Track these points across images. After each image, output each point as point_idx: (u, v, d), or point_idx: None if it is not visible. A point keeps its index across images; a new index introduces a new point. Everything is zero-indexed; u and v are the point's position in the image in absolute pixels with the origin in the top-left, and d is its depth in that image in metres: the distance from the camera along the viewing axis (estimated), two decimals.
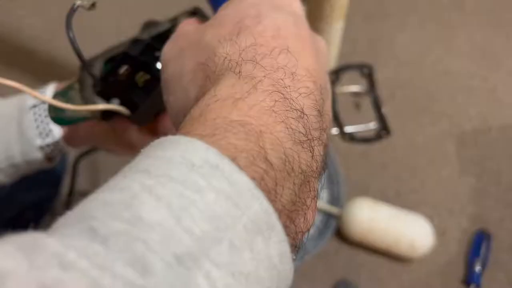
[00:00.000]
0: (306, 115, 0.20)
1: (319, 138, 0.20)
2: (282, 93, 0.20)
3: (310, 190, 0.20)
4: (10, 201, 0.70)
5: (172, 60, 0.25)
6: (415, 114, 0.98)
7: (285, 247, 0.18)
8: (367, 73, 0.56)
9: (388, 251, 0.79)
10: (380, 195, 0.88)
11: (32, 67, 1.06)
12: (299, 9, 0.26)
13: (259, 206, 0.16)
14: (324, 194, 0.87)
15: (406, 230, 0.76)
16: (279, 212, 0.18)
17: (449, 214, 0.86)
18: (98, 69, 0.36)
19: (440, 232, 0.84)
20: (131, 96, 0.34)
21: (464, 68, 1.05)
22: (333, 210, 0.82)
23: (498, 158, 0.92)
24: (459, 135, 0.95)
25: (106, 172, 0.90)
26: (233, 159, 0.17)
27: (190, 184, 0.16)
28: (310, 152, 0.19)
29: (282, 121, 0.19)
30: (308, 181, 0.19)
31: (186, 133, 0.18)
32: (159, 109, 0.38)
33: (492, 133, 0.96)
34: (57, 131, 0.42)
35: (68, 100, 0.36)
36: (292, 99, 0.20)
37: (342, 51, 1.09)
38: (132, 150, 0.42)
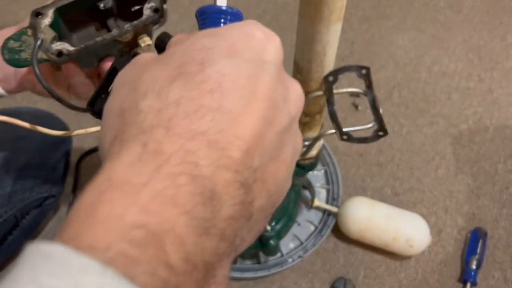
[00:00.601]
0: (219, 193, 0.17)
1: (233, 217, 0.18)
2: (190, 173, 0.17)
3: (215, 276, 0.18)
4: (13, 200, 0.71)
5: (115, 90, 0.22)
6: (412, 115, 1.00)
7: None
8: (365, 74, 0.57)
9: (385, 249, 0.80)
10: (377, 194, 0.89)
11: None
12: (274, 55, 0.22)
13: None
14: (322, 193, 0.89)
15: (403, 228, 0.78)
16: None
17: (445, 213, 0.87)
18: (49, 18, 0.38)
19: (437, 231, 0.85)
20: None
21: (460, 69, 1.06)
22: (332, 208, 0.83)
23: (494, 158, 0.94)
24: (456, 135, 0.97)
25: None
26: (132, 278, 0.15)
27: None
28: (218, 236, 0.17)
29: (186, 212, 0.16)
30: (214, 269, 0.18)
31: (73, 239, 0.16)
32: None
33: (488, 133, 0.97)
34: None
35: (22, 44, 0.40)
36: (203, 177, 0.17)
37: (340, 52, 1.10)
38: (68, 92, 0.46)
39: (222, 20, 0.25)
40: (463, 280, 0.79)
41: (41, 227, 0.85)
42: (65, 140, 0.79)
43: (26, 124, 0.35)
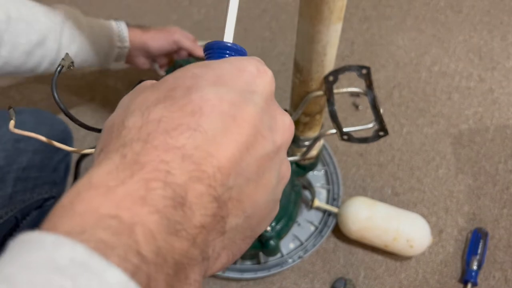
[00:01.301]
0: (190, 202, 0.19)
1: (204, 226, 0.19)
2: (162, 180, 0.19)
3: (186, 278, 0.19)
4: (14, 201, 0.71)
5: (115, 110, 0.24)
6: (413, 114, 1.00)
7: None
8: (365, 74, 0.57)
9: (385, 249, 0.80)
10: (377, 194, 0.89)
11: None
12: (262, 87, 0.23)
13: None
14: (323, 193, 0.88)
15: (404, 228, 0.77)
16: None
17: (446, 213, 0.87)
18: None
19: (437, 231, 0.85)
20: None
21: (460, 69, 1.06)
22: (332, 208, 0.83)
23: (495, 158, 0.93)
24: (456, 135, 0.97)
25: None
26: (104, 256, 0.16)
27: None
28: (188, 240, 0.19)
29: (157, 211, 0.18)
30: (185, 269, 0.19)
31: (52, 229, 0.17)
32: None
33: (489, 133, 0.97)
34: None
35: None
36: (175, 184, 0.19)
37: (340, 52, 1.10)
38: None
39: (227, 56, 0.27)
40: (464, 280, 0.79)
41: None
42: (67, 141, 0.79)
43: (43, 138, 0.38)
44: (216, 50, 0.27)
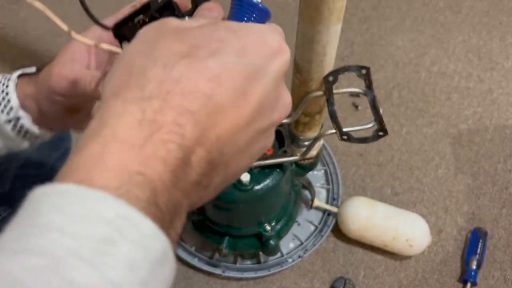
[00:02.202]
0: (192, 162, 0.22)
1: (196, 183, 0.22)
2: (177, 142, 0.21)
3: (179, 221, 0.22)
4: (12, 198, 0.71)
5: (136, 40, 0.25)
6: (412, 115, 1.00)
7: (173, 267, 0.21)
8: (365, 74, 0.57)
9: (385, 249, 0.80)
10: (377, 194, 0.89)
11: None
12: (278, 66, 0.24)
13: (161, 245, 0.19)
14: (322, 193, 0.89)
15: (403, 228, 0.78)
16: None
17: (445, 213, 0.87)
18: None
19: (437, 231, 0.85)
20: None
21: (460, 69, 1.07)
22: (332, 208, 0.83)
23: (494, 157, 0.94)
24: (455, 135, 0.97)
25: None
26: (138, 210, 0.19)
27: (107, 239, 0.18)
28: (184, 193, 0.22)
29: (171, 170, 0.21)
30: (179, 215, 0.22)
31: (87, 181, 0.19)
32: None
33: (488, 133, 0.97)
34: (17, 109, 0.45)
35: None
36: (186, 146, 0.21)
37: (340, 52, 1.10)
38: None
39: (250, 12, 0.28)
40: (463, 280, 0.80)
41: None
42: (65, 140, 0.79)
43: (87, 41, 0.40)
44: (244, 5, 0.28)
